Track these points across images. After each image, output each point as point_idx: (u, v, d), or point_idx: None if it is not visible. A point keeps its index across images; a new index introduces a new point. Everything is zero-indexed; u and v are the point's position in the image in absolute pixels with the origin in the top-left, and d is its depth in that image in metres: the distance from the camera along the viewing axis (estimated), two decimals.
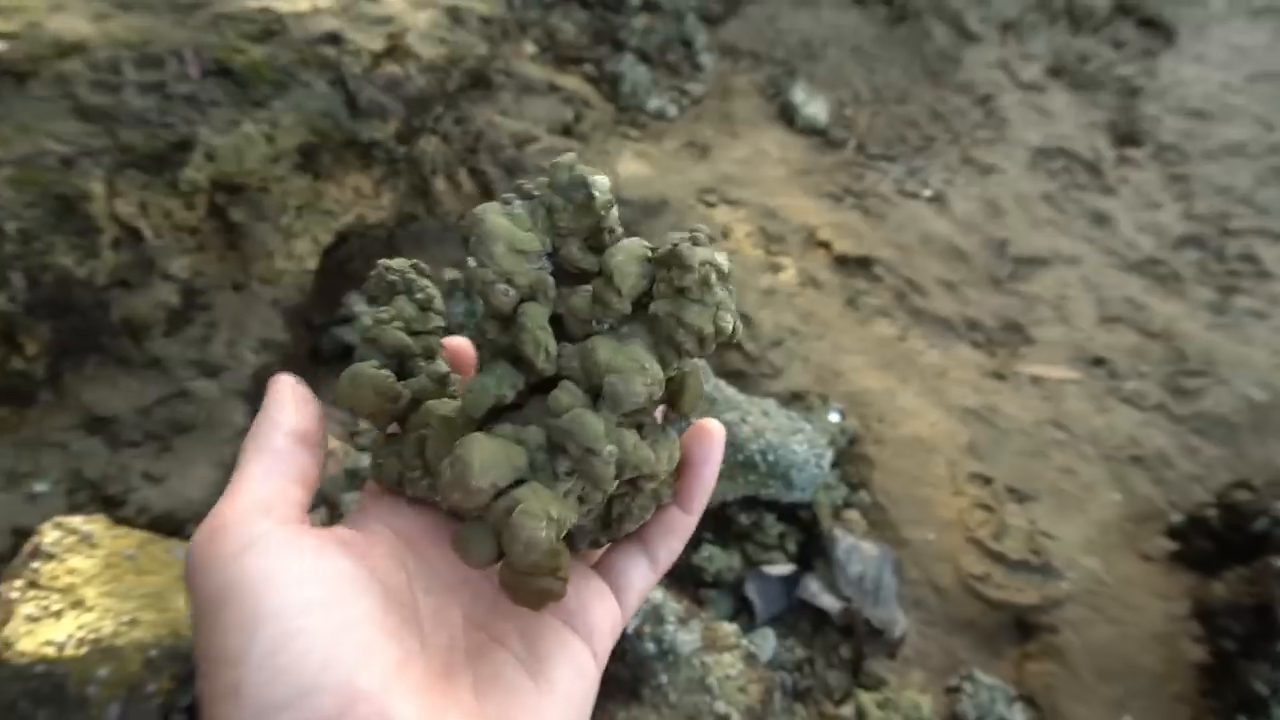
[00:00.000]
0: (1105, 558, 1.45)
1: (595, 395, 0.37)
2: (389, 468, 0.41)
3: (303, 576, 0.33)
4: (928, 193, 2.24)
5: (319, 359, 1.55)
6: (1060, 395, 1.76)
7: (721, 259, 0.39)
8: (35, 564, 1.05)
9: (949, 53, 2.66)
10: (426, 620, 0.38)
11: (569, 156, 0.41)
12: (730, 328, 0.39)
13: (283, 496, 0.37)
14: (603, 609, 0.41)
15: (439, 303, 0.45)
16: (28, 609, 1.02)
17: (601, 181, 0.40)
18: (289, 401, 0.41)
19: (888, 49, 2.66)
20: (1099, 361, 1.86)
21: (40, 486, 1.24)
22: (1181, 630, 1.34)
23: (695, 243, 0.39)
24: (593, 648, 0.40)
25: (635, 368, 0.37)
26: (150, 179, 1.37)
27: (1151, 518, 1.54)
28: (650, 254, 0.39)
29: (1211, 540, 1.41)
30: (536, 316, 0.38)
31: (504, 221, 0.39)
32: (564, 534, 0.37)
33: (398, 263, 0.45)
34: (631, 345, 0.38)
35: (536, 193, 0.41)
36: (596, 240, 0.41)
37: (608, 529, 0.42)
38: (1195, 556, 1.43)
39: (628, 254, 0.39)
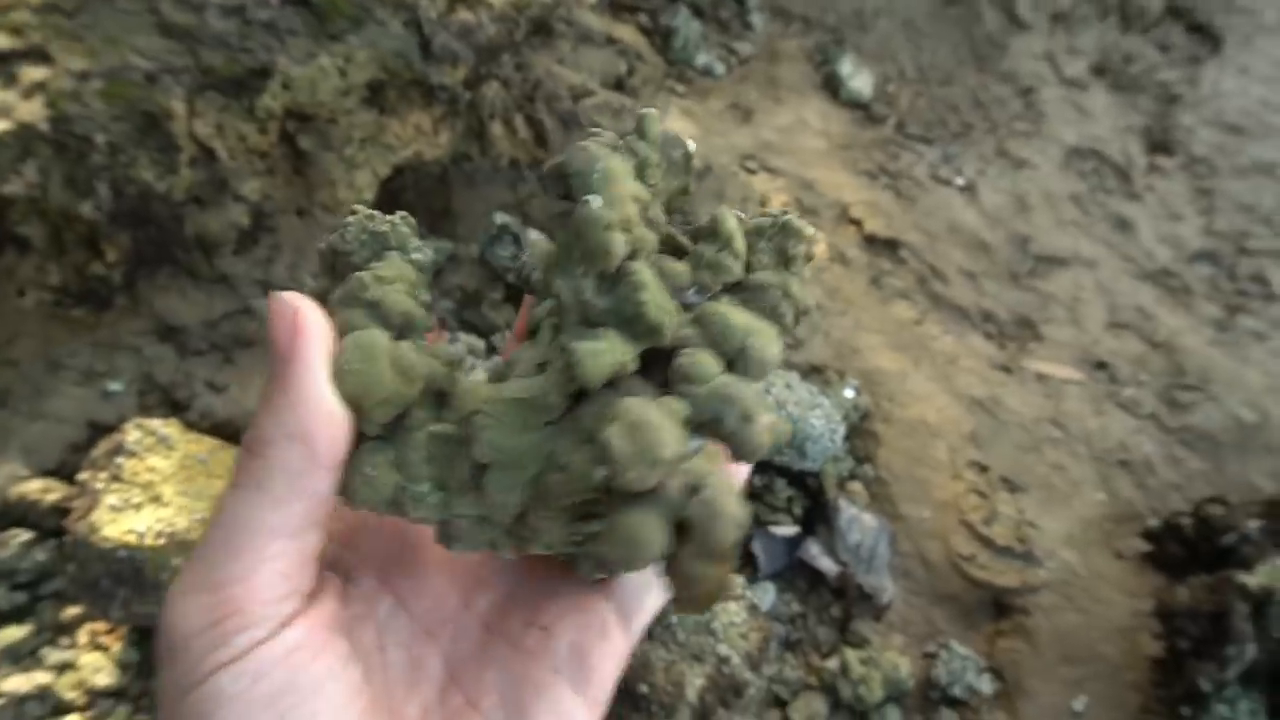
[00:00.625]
0: (1083, 552, 1.57)
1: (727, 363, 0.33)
2: (381, 482, 0.32)
3: (280, 707, 0.29)
4: (960, 181, 2.30)
5: None
6: (1061, 394, 1.86)
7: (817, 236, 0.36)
8: (119, 460, 1.15)
9: (997, 38, 2.68)
10: (398, 688, 0.34)
11: (654, 111, 0.36)
12: (809, 307, 0.36)
13: (303, 564, 0.31)
14: (605, 649, 0.35)
15: (429, 268, 0.37)
16: (111, 500, 1.12)
17: (692, 144, 0.37)
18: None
19: (938, 26, 2.68)
20: (1102, 365, 1.95)
21: (114, 386, 1.33)
22: (1143, 626, 1.47)
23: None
24: (590, 698, 0.35)
25: (771, 332, 0.34)
26: (228, 102, 1.43)
27: (1130, 519, 1.65)
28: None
29: (1182, 547, 1.52)
30: (650, 277, 0.33)
31: (623, 164, 0.34)
32: None
33: (384, 215, 0.37)
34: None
35: (620, 143, 0.35)
36: (679, 203, 0.38)
37: None
38: (1165, 560, 1.55)
39: (735, 219, 0.36)
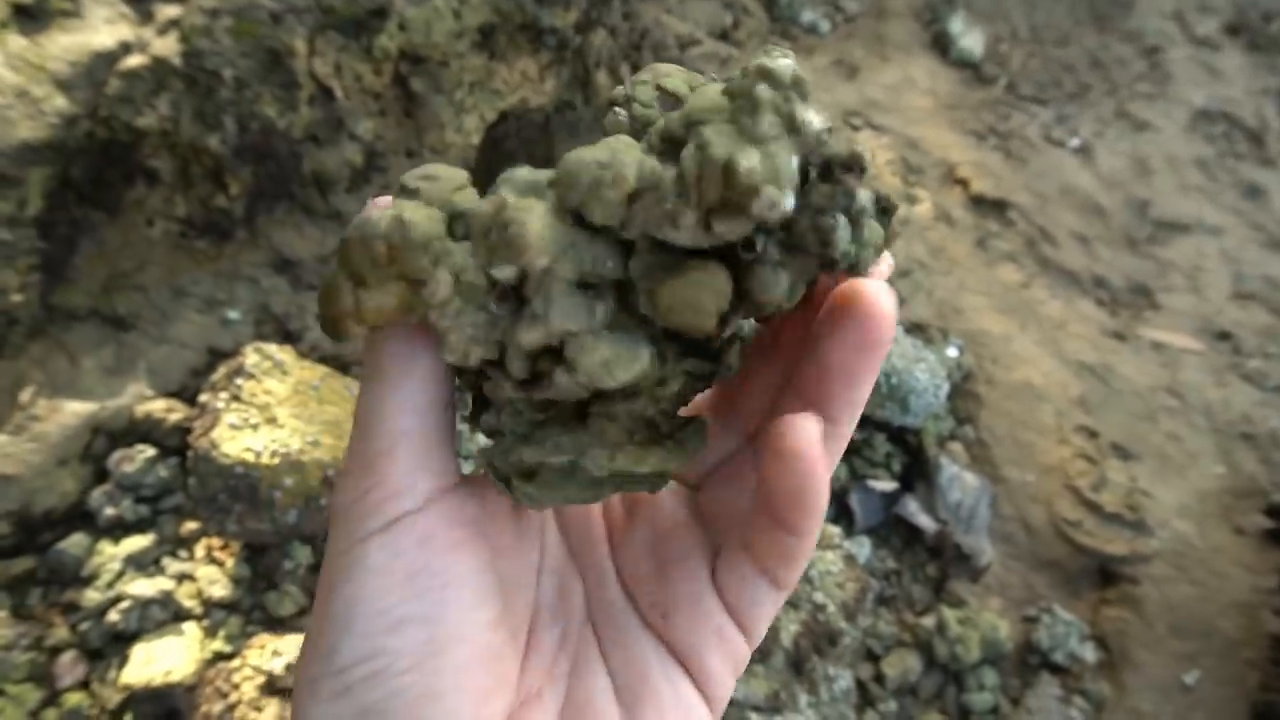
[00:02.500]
0: (1199, 524, 1.50)
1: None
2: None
3: (415, 585, 0.31)
4: (1075, 142, 2.20)
5: None
6: (1179, 364, 1.77)
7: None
8: (238, 381, 1.20)
9: None
10: (544, 612, 0.35)
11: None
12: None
13: (437, 442, 0.32)
14: (723, 651, 0.34)
15: None
16: (231, 418, 1.17)
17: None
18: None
19: None
20: (1225, 336, 1.85)
21: (233, 314, 1.38)
22: (1263, 602, 1.39)
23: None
24: (709, 696, 0.34)
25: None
26: (347, 42, 1.47)
27: (1252, 494, 1.57)
28: None
29: None
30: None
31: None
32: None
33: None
34: None
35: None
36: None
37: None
38: None
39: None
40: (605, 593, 0.36)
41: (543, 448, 0.31)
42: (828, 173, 0.28)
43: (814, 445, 0.29)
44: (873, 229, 0.30)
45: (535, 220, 0.28)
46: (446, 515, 0.32)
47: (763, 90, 0.27)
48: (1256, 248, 2.06)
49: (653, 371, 0.29)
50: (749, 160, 0.26)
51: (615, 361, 0.28)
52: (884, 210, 0.31)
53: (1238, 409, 1.70)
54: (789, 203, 0.26)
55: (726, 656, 0.34)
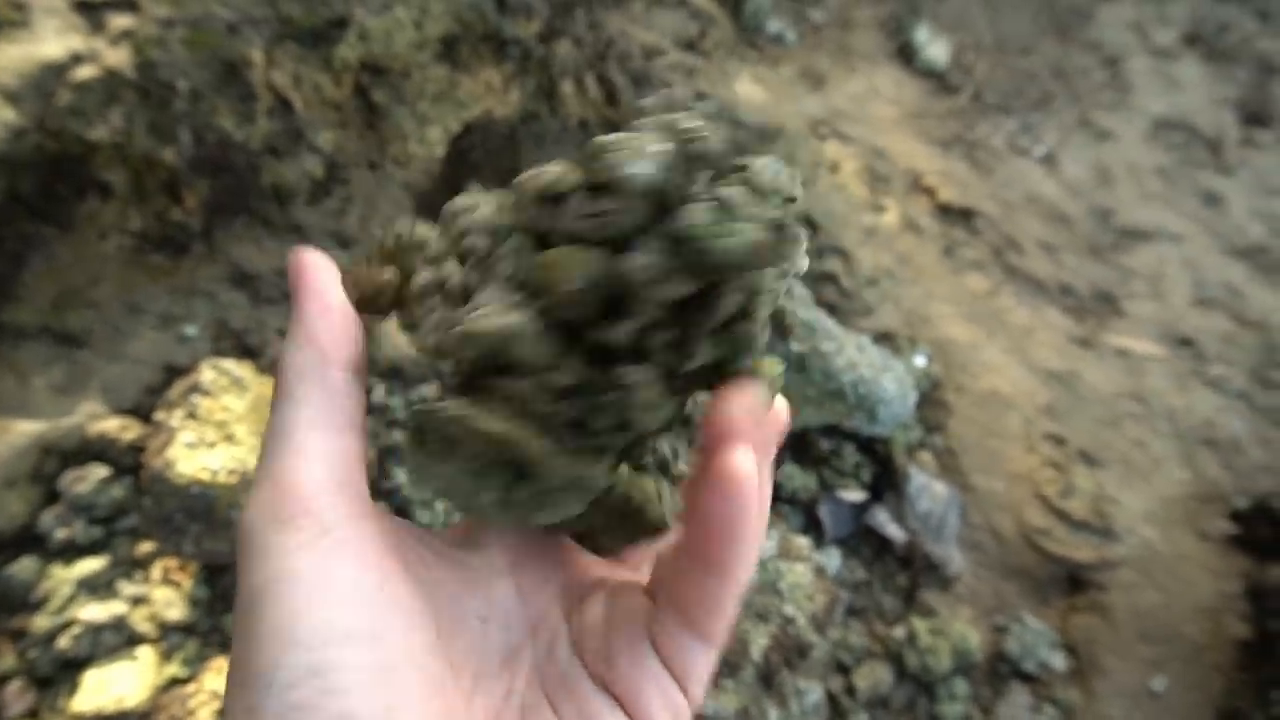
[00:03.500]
0: (1164, 530, 1.51)
1: None
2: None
3: (354, 599, 0.30)
4: (1039, 151, 2.22)
5: None
6: (1143, 370, 1.79)
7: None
8: (194, 398, 1.17)
9: (1082, 7, 2.58)
10: (492, 658, 0.35)
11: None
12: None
13: (350, 463, 0.32)
14: (662, 701, 0.35)
15: None
16: (186, 437, 1.14)
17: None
18: (335, 312, 0.33)
19: None
20: (1187, 342, 1.87)
21: (190, 330, 1.35)
22: (1228, 607, 1.40)
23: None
24: None
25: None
26: (305, 52, 1.45)
27: (1215, 499, 1.58)
28: None
29: (1273, 528, 1.45)
30: None
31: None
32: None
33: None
34: None
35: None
36: None
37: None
38: (1254, 541, 1.48)
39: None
40: (556, 653, 0.36)
41: (429, 407, 0.31)
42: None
43: (749, 474, 0.29)
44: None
45: (485, 207, 0.34)
46: (374, 535, 0.31)
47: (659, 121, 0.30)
48: (1216, 255, 2.08)
49: (532, 349, 0.30)
50: (615, 147, 0.29)
51: (489, 315, 0.30)
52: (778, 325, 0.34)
53: (1200, 414, 1.71)
54: (645, 167, 0.28)
55: (667, 708, 0.34)
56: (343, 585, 0.30)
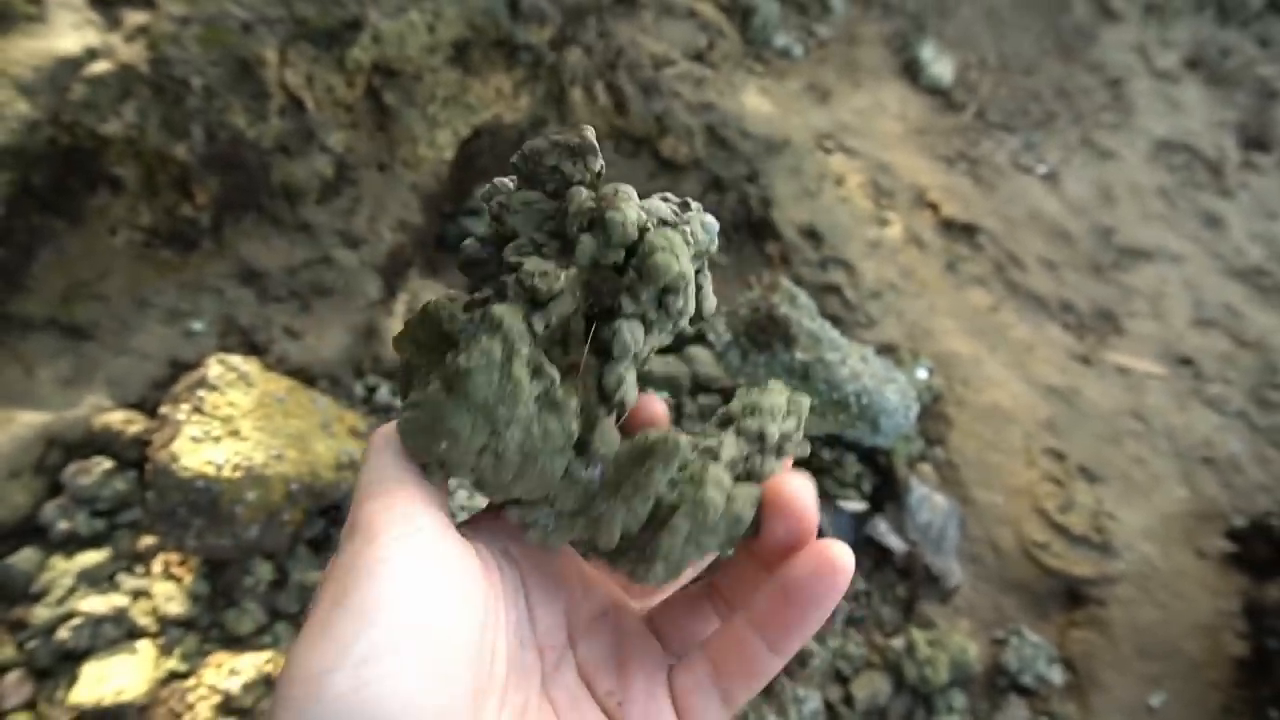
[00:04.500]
0: (1163, 547, 1.51)
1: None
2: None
3: (435, 595, 0.33)
4: (1042, 169, 2.23)
5: (444, 245, 1.64)
6: (1143, 388, 1.80)
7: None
8: (200, 393, 1.17)
9: (1086, 29, 2.61)
10: (514, 673, 0.37)
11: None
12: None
13: (439, 498, 0.37)
14: None
15: None
16: (192, 431, 1.14)
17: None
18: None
19: (1023, 16, 2.62)
20: (1186, 361, 1.88)
21: (197, 325, 1.36)
22: (1226, 625, 1.41)
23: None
24: None
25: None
26: (319, 53, 1.46)
27: (1213, 518, 1.59)
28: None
29: (1270, 547, 1.46)
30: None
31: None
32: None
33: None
34: None
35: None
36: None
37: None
38: (1251, 560, 1.48)
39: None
40: (562, 675, 0.39)
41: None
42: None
43: (849, 570, 0.36)
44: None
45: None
46: (457, 543, 0.35)
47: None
48: (1216, 276, 2.10)
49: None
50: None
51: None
52: (779, 450, 0.41)
53: (1199, 433, 1.72)
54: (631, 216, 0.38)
55: None
56: (427, 582, 0.33)
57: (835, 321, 1.66)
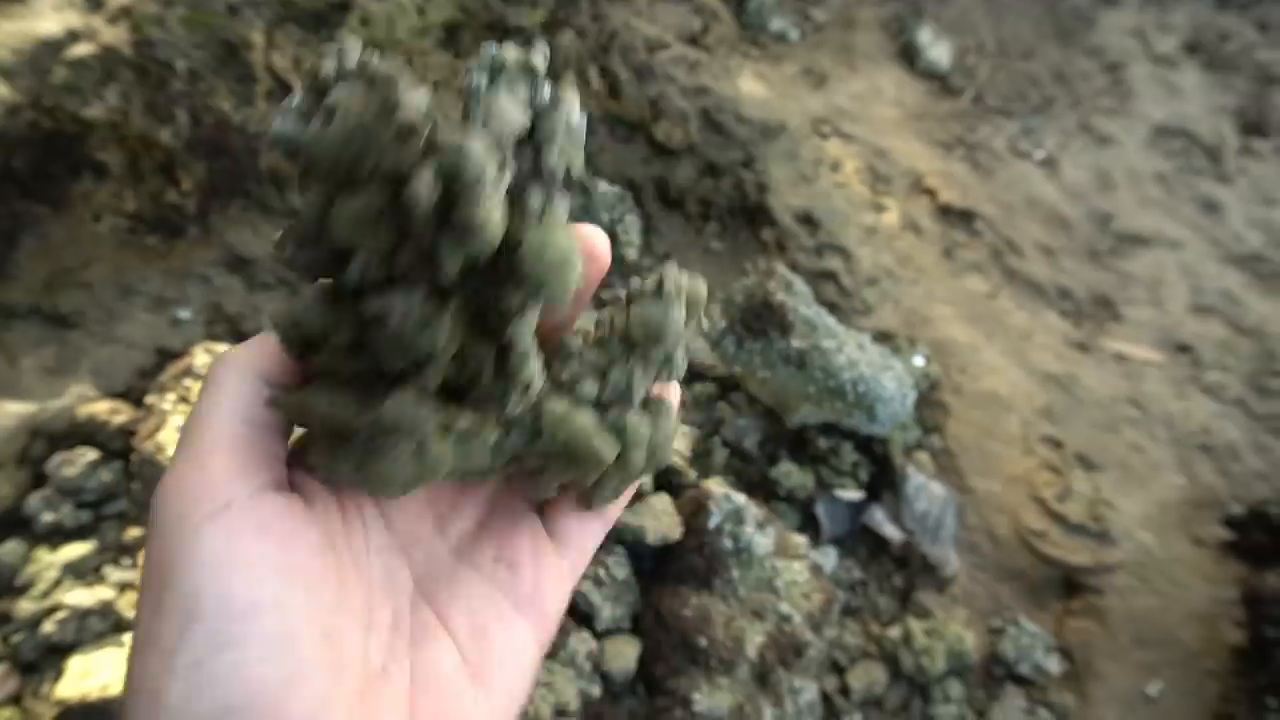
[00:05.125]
0: (1160, 534, 1.50)
1: None
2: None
3: (256, 571, 0.30)
4: (1040, 155, 2.22)
5: None
6: (1141, 375, 1.78)
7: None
8: (187, 382, 1.15)
9: (1084, 13, 2.58)
10: (376, 591, 0.36)
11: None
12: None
13: (261, 452, 0.34)
14: (558, 587, 0.39)
15: None
16: (178, 421, 1.13)
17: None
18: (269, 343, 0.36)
19: (1020, 0, 2.59)
20: (1184, 348, 1.87)
21: (183, 314, 1.33)
22: (1223, 613, 1.40)
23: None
24: (540, 635, 0.39)
25: None
26: (306, 35, 1.43)
27: (1211, 505, 1.58)
28: None
29: (1269, 535, 1.45)
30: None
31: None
32: None
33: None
34: None
35: None
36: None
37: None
38: (1249, 548, 1.47)
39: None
40: (437, 567, 0.38)
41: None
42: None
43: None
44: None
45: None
46: (278, 506, 0.33)
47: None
48: (1214, 262, 2.08)
49: (311, 319, 0.34)
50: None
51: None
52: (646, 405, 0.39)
53: (1197, 420, 1.71)
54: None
55: (560, 591, 0.39)
56: (244, 559, 0.30)
57: (831, 308, 1.64)
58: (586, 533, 0.41)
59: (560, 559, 0.40)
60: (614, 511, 0.42)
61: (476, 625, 0.37)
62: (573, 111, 0.35)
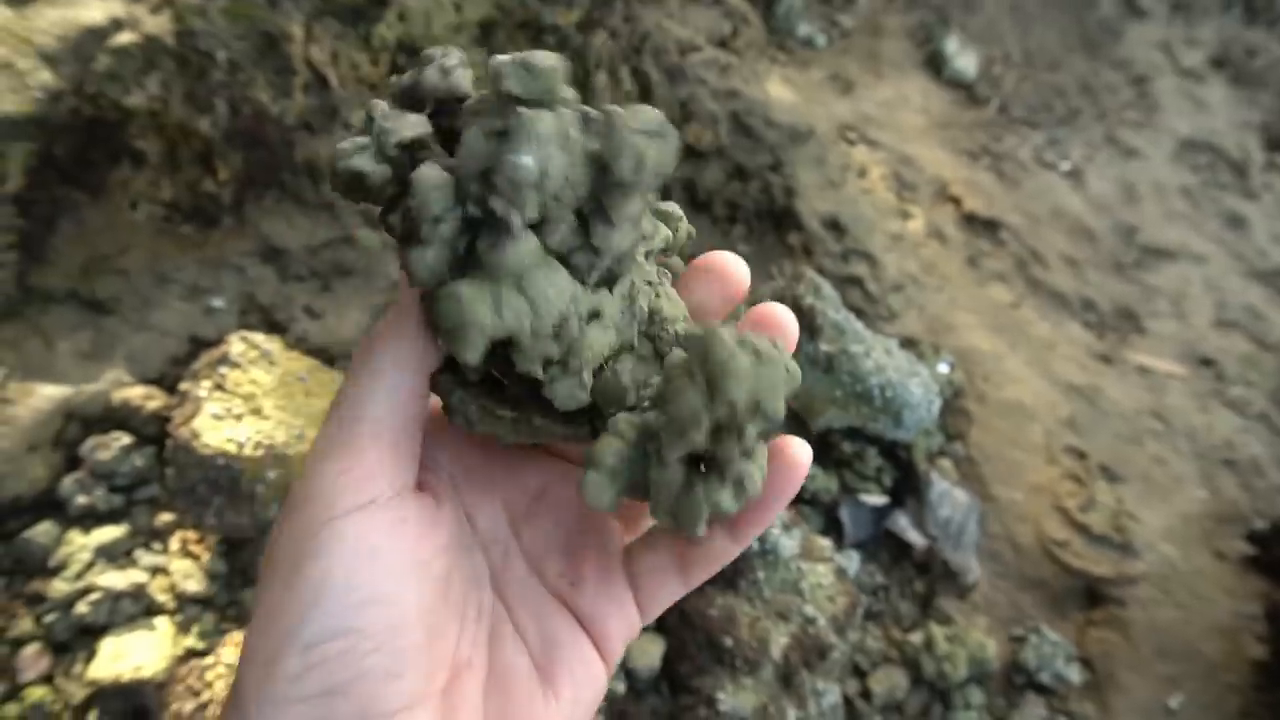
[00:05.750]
0: (1183, 548, 1.50)
1: None
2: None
3: (385, 564, 0.32)
4: (1065, 166, 2.22)
5: None
6: (1164, 388, 1.78)
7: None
8: (222, 370, 1.16)
9: (1112, 25, 2.58)
10: (471, 585, 0.37)
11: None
12: None
13: (412, 449, 0.35)
14: (621, 621, 0.39)
15: None
16: (213, 408, 1.14)
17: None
18: (412, 372, 0.35)
19: (1048, 11, 2.59)
20: (1207, 362, 1.86)
21: (217, 303, 1.35)
22: (1246, 628, 1.40)
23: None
24: (605, 657, 0.38)
25: None
26: (344, 29, 1.44)
27: (1234, 520, 1.58)
28: None
29: None
30: None
31: None
32: None
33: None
34: None
35: None
36: None
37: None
38: (1271, 563, 1.47)
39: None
40: (511, 568, 0.39)
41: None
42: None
43: (806, 466, 0.36)
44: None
45: None
46: (416, 505, 0.34)
47: None
48: (1238, 277, 2.08)
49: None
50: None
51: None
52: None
53: (1220, 434, 1.71)
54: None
55: (624, 626, 0.38)
56: (372, 553, 0.32)
57: (857, 314, 1.64)
58: (673, 598, 0.39)
59: (626, 587, 0.39)
60: (701, 575, 0.39)
61: (546, 632, 0.37)
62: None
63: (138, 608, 1.11)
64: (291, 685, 0.30)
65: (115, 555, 1.15)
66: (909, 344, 1.64)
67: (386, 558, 0.32)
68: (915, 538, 1.39)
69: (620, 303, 0.36)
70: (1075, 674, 1.33)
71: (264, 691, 0.30)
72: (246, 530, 1.15)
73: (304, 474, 0.34)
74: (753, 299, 1.42)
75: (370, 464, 0.33)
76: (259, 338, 1.21)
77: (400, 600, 0.32)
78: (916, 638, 1.31)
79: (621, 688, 1.12)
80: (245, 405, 1.15)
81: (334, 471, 0.32)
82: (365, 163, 0.33)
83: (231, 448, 1.10)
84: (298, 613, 0.30)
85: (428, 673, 0.32)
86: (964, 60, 2.39)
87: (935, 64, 2.39)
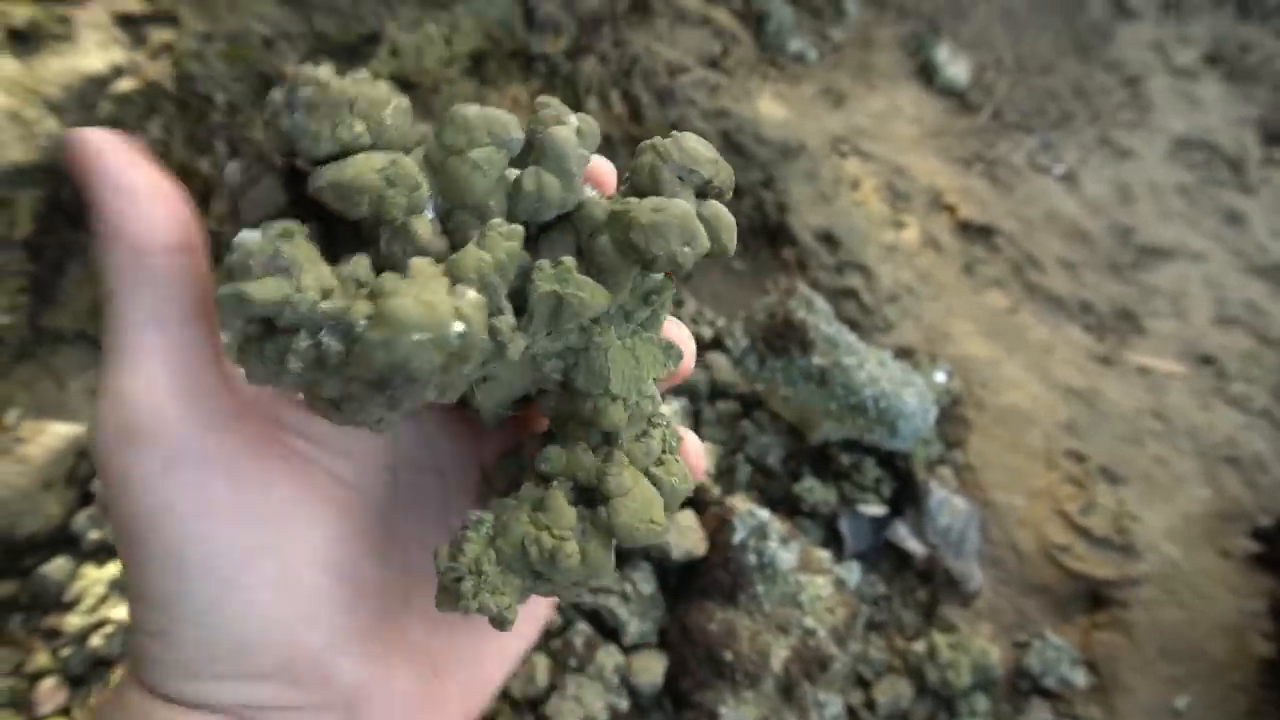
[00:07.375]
0: (1186, 547, 1.50)
1: None
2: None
3: (241, 516, 0.28)
4: (1059, 169, 2.23)
5: None
6: (1164, 388, 1.79)
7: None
8: None
9: (1102, 27, 2.59)
10: (401, 519, 0.34)
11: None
12: None
13: (198, 360, 0.29)
14: None
15: None
16: None
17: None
18: (139, 192, 0.28)
19: (1039, 16, 2.61)
20: (1208, 360, 1.87)
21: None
22: (1251, 626, 1.40)
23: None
24: None
25: None
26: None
27: (1237, 518, 1.58)
28: None
29: None
30: None
31: None
32: None
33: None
34: None
35: None
36: None
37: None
38: (1276, 560, 1.47)
39: None
40: (467, 479, 0.36)
41: None
42: None
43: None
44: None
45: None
46: (240, 442, 0.29)
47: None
48: (1237, 273, 2.08)
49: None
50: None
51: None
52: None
53: (1222, 432, 1.71)
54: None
55: None
56: (221, 507, 0.28)
57: (852, 325, 1.66)
58: None
59: None
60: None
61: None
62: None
63: None
64: (196, 652, 0.29)
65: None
66: (906, 354, 1.65)
67: (237, 508, 0.29)
68: (915, 547, 1.40)
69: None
70: (1080, 677, 1.33)
71: (167, 673, 0.29)
72: None
73: (95, 431, 0.29)
74: (747, 314, 1.44)
75: (156, 403, 0.29)
76: None
77: (281, 546, 0.30)
78: (920, 646, 1.32)
79: (625, 704, 1.14)
80: None
81: (122, 424, 0.29)
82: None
83: None
84: (171, 582, 0.29)
85: (346, 607, 0.31)
86: (955, 68, 2.41)
87: (927, 73, 2.41)
